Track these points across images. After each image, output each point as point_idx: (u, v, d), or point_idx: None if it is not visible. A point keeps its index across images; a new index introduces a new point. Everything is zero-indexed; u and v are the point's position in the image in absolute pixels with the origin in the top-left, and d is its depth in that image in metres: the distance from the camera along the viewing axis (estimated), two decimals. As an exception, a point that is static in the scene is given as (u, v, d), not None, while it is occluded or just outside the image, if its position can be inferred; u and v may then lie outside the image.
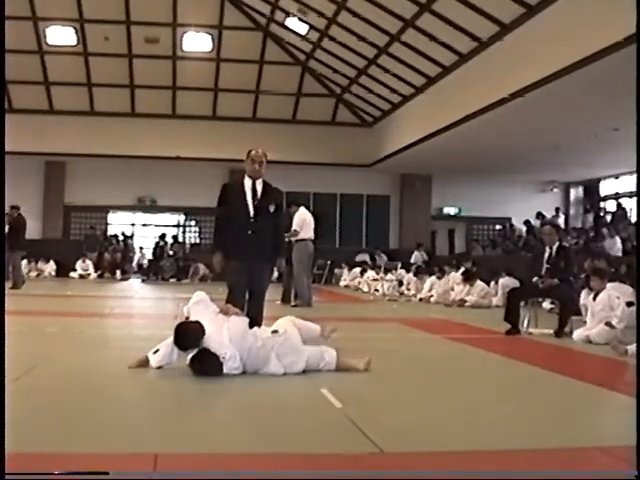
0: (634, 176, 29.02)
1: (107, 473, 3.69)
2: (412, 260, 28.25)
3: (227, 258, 8.88)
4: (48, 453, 4.10)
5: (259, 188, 8.92)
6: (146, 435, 4.67)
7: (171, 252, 30.70)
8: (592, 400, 6.50)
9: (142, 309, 16.55)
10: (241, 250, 8.71)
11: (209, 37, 27.49)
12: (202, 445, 4.50)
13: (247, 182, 8.95)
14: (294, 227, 16.27)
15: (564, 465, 4.31)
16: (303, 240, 16.27)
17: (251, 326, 7.43)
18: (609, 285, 11.21)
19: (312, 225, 16.48)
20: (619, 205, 29.26)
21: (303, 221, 16.31)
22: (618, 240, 19.13)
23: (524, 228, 30.40)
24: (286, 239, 16.75)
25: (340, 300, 20.94)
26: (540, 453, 4.51)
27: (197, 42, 27.60)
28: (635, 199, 24.21)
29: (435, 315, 15.53)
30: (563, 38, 15.90)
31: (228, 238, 8.85)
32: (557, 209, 32.06)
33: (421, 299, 20.15)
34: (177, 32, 27.24)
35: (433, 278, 20.88)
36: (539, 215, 29.86)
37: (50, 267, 29.84)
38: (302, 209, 16.63)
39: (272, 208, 8.88)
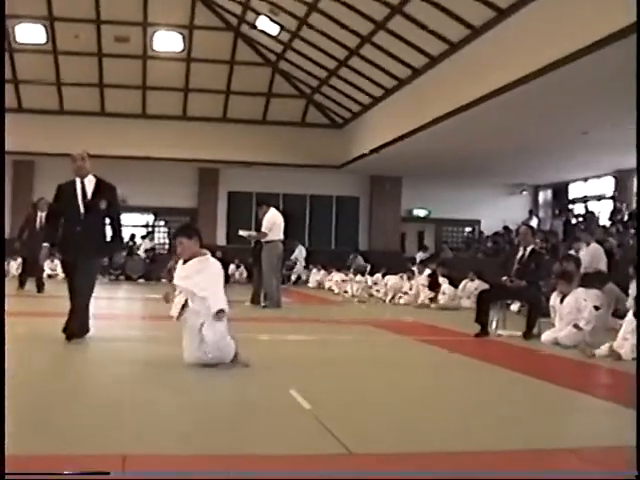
0: (602, 179, 29.30)
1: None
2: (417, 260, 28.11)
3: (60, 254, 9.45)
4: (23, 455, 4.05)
5: (90, 186, 9.24)
6: (113, 436, 4.63)
7: (140, 252, 30.55)
8: (560, 402, 6.51)
9: (111, 309, 16.46)
10: (68, 246, 9.08)
11: (180, 37, 27.40)
12: (168, 446, 4.48)
13: (77, 181, 9.28)
14: (263, 229, 16.28)
15: (533, 467, 4.32)
16: (273, 241, 16.25)
17: (69, 335, 8.46)
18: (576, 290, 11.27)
19: (282, 226, 16.47)
20: (587, 208, 29.50)
21: (273, 223, 16.29)
22: (598, 247, 18.90)
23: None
24: (253, 240, 16.84)
25: (309, 301, 20.93)
26: (508, 455, 4.52)
27: (168, 42, 27.51)
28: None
29: (404, 317, 15.54)
30: (533, 42, 15.98)
31: (60, 235, 9.25)
32: (531, 211, 32.20)
33: (392, 299, 20.19)
34: (147, 31, 27.13)
35: (391, 277, 21.32)
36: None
37: (17, 266, 29.59)
38: (272, 210, 16.62)
39: (103, 205, 9.17)
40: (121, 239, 9.83)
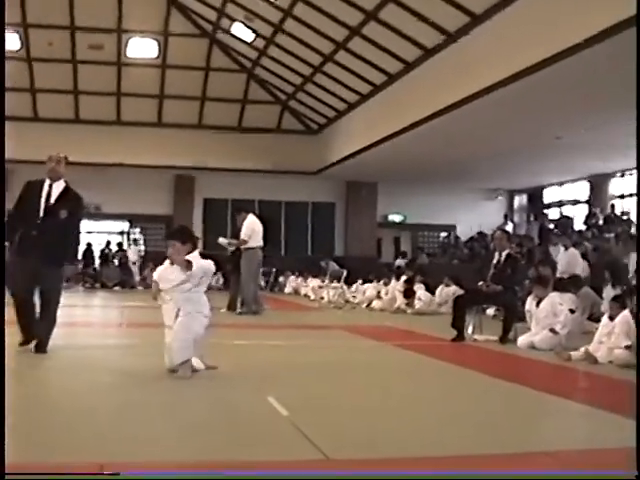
0: (577, 184, 29.44)
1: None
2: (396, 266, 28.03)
3: (14, 255, 8.86)
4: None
5: (56, 191, 8.94)
6: (89, 444, 4.61)
7: (115, 260, 30.46)
8: (537, 406, 6.54)
9: (87, 317, 16.39)
10: (26, 249, 8.69)
11: (155, 43, 27.33)
12: (145, 453, 4.47)
13: (46, 183, 8.99)
14: (242, 236, 16.20)
15: (510, 469, 4.32)
16: (252, 248, 16.20)
17: (39, 346, 8.38)
18: (552, 294, 11.33)
19: (261, 233, 16.43)
20: (562, 213, 29.68)
21: (252, 230, 16.24)
22: (575, 251, 18.83)
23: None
24: (232, 248, 16.67)
25: (286, 307, 20.92)
26: (486, 458, 4.53)
27: (142, 48, 27.42)
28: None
29: (381, 322, 15.56)
30: (506, 48, 16.03)
31: (17, 237, 8.84)
32: (506, 216, 32.31)
33: (368, 305, 20.22)
34: (122, 38, 27.04)
35: (370, 284, 21.67)
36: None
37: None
38: (251, 216, 16.57)
39: (63, 214, 8.81)
40: (75, 250, 9.60)
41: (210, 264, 7.38)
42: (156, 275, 7.53)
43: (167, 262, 7.50)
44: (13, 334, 8.30)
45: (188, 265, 7.12)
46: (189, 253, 7.32)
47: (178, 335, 7.05)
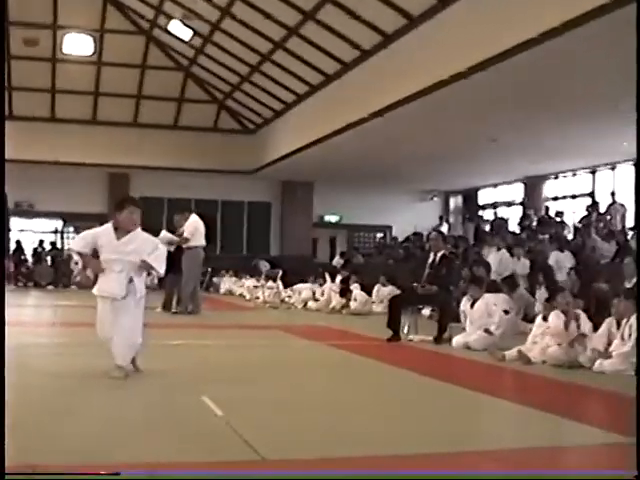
0: (512, 185, 29.74)
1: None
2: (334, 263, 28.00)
3: None
4: None
5: None
6: (21, 444, 4.53)
7: (49, 258, 30.08)
8: (470, 405, 6.58)
9: (19, 316, 16.17)
10: None
11: (90, 40, 26.99)
12: (76, 453, 4.43)
13: None
14: (185, 234, 16.01)
15: (440, 469, 4.34)
16: (195, 247, 16.06)
17: None
18: (486, 295, 11.43)
19: (203, 233, 16.29)
20: (496, 214, 29.97)
21: (195, 229, 16.09)
22: (506, 253, 18.81)
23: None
24: (173, 246, 16.16)
25: (221, 307, 20.83)
26: (417, 458, 4.54)
27: (78, 45, 27.03)
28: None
29: (316, 322, 15.56)
30: (443, 50, 16.11)
31: None
32: (441, 217, 32.49)
33: (304, 306, 20.19)
34: (57, 34, 26.70)
35: (302, 284, 21.78)
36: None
37: None
38: (194, 216, 16.43)
39: None
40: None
41: (164, 254, 7.34)
42: (95, 240, 7.26)
43: (109, 228, 7.30)
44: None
45: (146, 265, 7.11)
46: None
47: (125, 335, 6.97)
